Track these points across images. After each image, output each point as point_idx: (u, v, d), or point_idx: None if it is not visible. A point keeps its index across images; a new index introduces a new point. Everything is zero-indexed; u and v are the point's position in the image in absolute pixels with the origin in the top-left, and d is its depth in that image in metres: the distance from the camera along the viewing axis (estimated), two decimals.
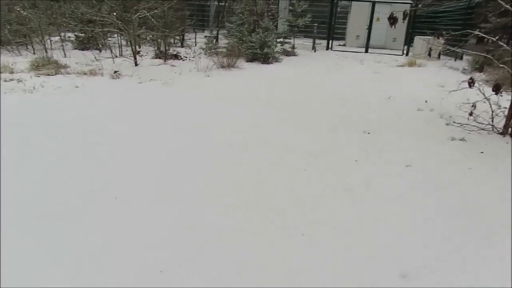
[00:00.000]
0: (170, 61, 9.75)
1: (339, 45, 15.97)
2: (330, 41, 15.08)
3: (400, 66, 10.99)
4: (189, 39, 13.87)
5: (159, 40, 10.41)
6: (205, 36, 12.92)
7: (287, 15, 13.90)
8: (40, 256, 2.17)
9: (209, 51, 11.19)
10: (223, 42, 12.82)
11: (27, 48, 10.53)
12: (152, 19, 8.25)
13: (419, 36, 12.74)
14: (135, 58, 8.93)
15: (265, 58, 10.26)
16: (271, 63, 10.34)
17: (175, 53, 10.36)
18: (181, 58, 10.24)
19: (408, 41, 14.76)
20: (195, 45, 13.15)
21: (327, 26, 14.96)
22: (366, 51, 14.35)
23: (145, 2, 8.57)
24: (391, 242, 2.39)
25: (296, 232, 2.48)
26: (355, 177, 3.36)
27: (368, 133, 4.67)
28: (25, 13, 9.31)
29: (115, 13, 7.87)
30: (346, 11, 16.67)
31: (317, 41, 14.43)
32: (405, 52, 14.47)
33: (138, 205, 2.78)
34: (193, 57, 10.47)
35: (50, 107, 5.44)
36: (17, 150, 3.74)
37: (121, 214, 2.66)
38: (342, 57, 12.69)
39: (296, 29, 13.10)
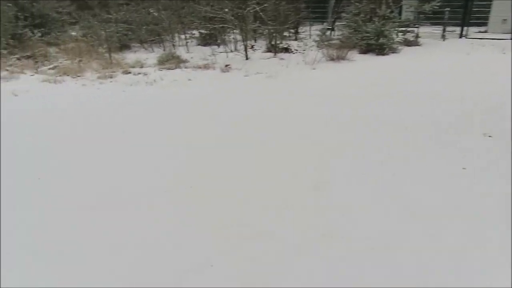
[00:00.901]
0: (280, 55, 9.80)
1: (479, 32, 13.69)
2: (465, 28, 13.02)
3: None
4: (304, 31, 13.72)
5: (273, 34, 10.54)
6: (322, 29, 12.60)
7: (411, 0, 12.52)
8: None
9: (321, 43, 10.87)
10: (338, 34, 12.30)
11: (160, 45, 11.90)
12: (261, 13, 8.37)
13: None
14: (246, 52, 9.25)
15: (380, 49, 9.45)
16: (387, 55, 9.47)
17: (286, 46, 10.36)
18: (292, 51, 10.19)
19: None
20: (309, 37, 12.94)
21: (462, 10, 12.95)
22: None
23: None
24: None
25: None
26: None
27: None
28: (157, 14, 10.50)
29: (226, 9, 8.27)
30: None
31: (449, 28, 12.63)
32: None
33: None
34: (304, 50, 10.33)
35: (158, 97, 6.04)
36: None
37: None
38: (479, 45, 10.82)
39: (422, 15, 11.71)
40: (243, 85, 6.81)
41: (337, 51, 8.78)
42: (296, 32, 13.27)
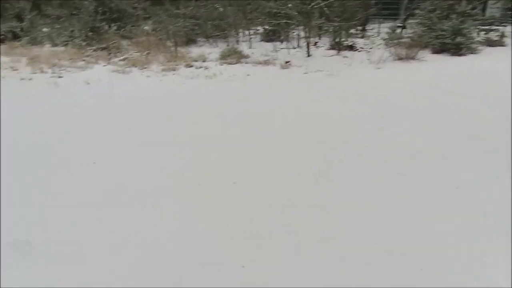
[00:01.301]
0: (344, 53, 9.41)
1: None
2: None
3: None
4: (372, 29, 13.06)
5: (338, 31, 10.17)
6: (391, 26, 11.90)
7: None
8: None
9: (390, 41, 10.24)
10: (410, 32, 11.51)
11: (224, 41, 12.09)
12: (325, 9, 8.08)
13: None
14: (308, 49, 9.02)
15: (457, 49, 8.63)
16: (464, 55, 8.62)
17: (350, 44, 9.93)
18: (356, 50, 9.74)
19: None
20: (378, 35, 12.28)
21: None
22: None
23: None
24: None
25: None
26: None
27: None
28: (222, 10, 10.67)
29: (290, 5, 8.11)
30: None
31: None
32: None
33: None
34: (371, 49, 9.82)
35: (214, 91, 6.09)
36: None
37: None
38: None
39: (510, 12, 10.51)
40: (301, 83, 6.63)
41: (407, 50, 8.19)
42: (364, 30, 12.69)
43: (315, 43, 11.01)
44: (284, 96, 5.65)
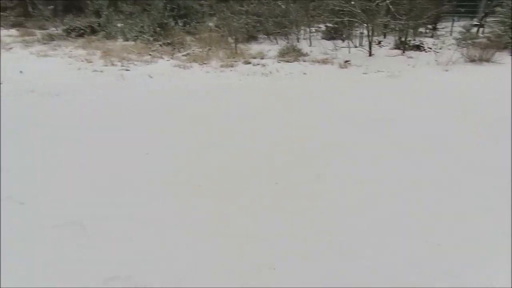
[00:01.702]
0: (410, 53, 8.88)
1: None
2: None
3: None
4: (444, 28, 12.15)
5: (404, 30, 9.63)
6: (466, 25, 11.00)
7: None
8: None
9: (463, 42, 9.48)
10: (488, 31, 10.53)
11: (285, 38, 12.05)
12: (391, 6, 7.66)
13: None
14: (370, 48, 8.67)
15: None
16: None
17: (417, 43, 9.35)
18: (424, 50, 9.14)
19: None
20: (450, 35, 11.41)
21: None
22: None
23: None
24: None
25: None
26: None
27: None
28: (284, 7, 10.63)
29: (353, 2, 7.82)
30: None
31: None
32: None
33: None
34: (440, 49, 9.17)
35: (267, 89, 6.10)
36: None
37: None
38: None
39: None
40: (358, 83, 6.40)
41: (481, 51, 7.51)
42: (434, 29, 11.87)
43: (379, 42, 10.54)
44: (336, 96, 5.50)
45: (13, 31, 13.49)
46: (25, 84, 6.10)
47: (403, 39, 9.23)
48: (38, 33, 12.43)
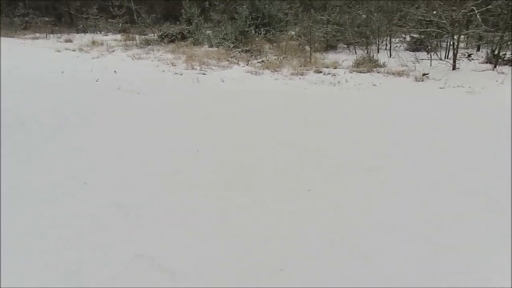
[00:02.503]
0: (503, 68, 7.99)
1: None
2: None
3: None
4: None
5: (499, 42, 8.68)
6: None
7: None
8: None
9: None
10: None
11: (364, 48, 11.74)
12: (478, 16, 6.97)
13: None
14: (454, 62, 8.01)
15: None
16: None
17: None
18: None
19: None
20: None
21: None
22: None
23: None
24: None
25: None
26: None
27: None
28: (365, 16, 10.37)
29: (435, 12, 7.32)
30: None
31: None
32: None
33: None
34: None
35: (326, 98, 6.05)
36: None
37: None
38: None
39: None
40: (428, 98, 5.98)
41: None
42: None
43: (469, 55, 9.67)
44: (390, 109, 5.25)
45: (118, 36, 15.41)
46: (115, 82, 6.98)
47: (496, 52, 8.34)
48: (138, 38, 13.98)
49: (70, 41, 14.47)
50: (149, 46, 12.55)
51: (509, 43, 8.76)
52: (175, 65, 9.28)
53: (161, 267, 2.07)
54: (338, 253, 2.13)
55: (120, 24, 17.47)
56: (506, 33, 8.00)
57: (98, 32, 17.69)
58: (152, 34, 15.04)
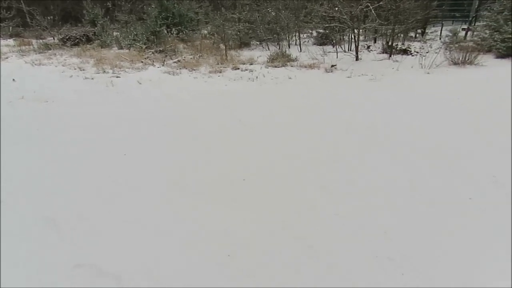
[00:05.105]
0: (396, 57, 9.03)
1: None
2: None
3: None
4: (433, 32, 12.31)
5: (388, 34, 9.78)
6: (453, 29, 11.14)
7: None
8: None
9: (450, 45, 9.62)
10: (475, 35, 10.67)
11: (276, 44, 12.24)
12: (372, 12, 7.81)
13: None
14: (356, 53, 8.82)
15: None
16: None
17: (404, 47, 9.50)
18: (411, 54, 9.29)
19: None
20: (439, 39, 11.55)
21: None
22: None
23: None
24: None
25: None
26: None
27: None
28: (274, 14, 10.82)
29: (336, 8, 7.99)
30: None
31: None
32: None
33: None
34: (427, 53, 9.30)
35: (249, 92, 6.24)
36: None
37: None
38: None
39: None
40: (338, 86, 6.53)
41: (463, 54, 7.64)
42: (423, 33, 12.03)
43: (368, 47, 10.71)
44: (311, 97, 5.64)
45: (10, 41, 13.78)
46: (15, 92, 6.26)
47: (390, 43, 9.38)
48: (35, 42, 12.68)
49: None
50: (50, 51, 11.45)
51: (399, 35, 9.93)
52: (83, 70, 8.64)
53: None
54: None
55: (11, 28, 15.64)
56: (397, 26, 9.04)
57: None
58: (52, 38, 13.77)
